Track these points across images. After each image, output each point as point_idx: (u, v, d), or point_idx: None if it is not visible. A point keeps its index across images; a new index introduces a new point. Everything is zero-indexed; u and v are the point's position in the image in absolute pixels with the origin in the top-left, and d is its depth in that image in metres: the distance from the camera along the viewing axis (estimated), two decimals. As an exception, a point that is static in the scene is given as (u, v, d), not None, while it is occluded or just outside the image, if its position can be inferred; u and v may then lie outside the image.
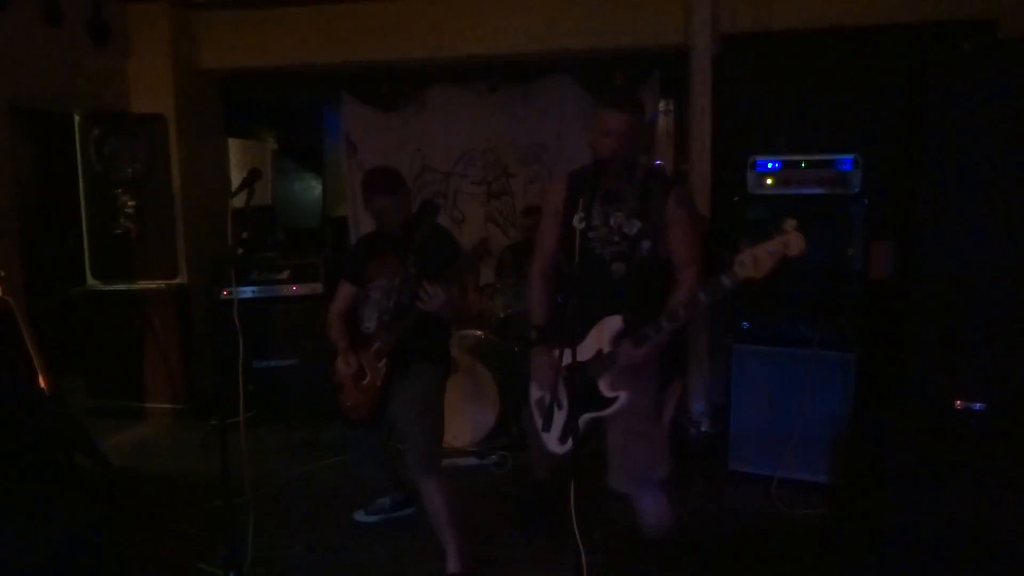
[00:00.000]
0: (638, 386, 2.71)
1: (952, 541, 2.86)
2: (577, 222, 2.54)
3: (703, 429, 4.74)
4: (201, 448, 4.67)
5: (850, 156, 3.76)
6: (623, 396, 2.66)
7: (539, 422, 2.90)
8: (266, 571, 3.22)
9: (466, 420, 4.58)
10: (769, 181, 3.94)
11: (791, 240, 2.32)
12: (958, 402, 3.18)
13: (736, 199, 4.01)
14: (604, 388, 2.69)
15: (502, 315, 4.95)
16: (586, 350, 2.70)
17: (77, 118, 5.36)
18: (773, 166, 3.93)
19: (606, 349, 2.68)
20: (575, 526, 2.43)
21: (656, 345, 2.62)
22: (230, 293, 3.25)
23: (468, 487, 4.07)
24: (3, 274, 3.82)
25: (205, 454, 4.53)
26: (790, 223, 2.33)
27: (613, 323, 2.67)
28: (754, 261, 2.36)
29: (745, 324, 4.02)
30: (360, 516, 3.70)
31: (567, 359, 2.59)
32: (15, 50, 4.43)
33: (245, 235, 3.27)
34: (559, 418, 2.84)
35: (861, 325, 3.77)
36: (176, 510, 3.78)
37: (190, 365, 5.37)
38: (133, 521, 3.62)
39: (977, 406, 3.17)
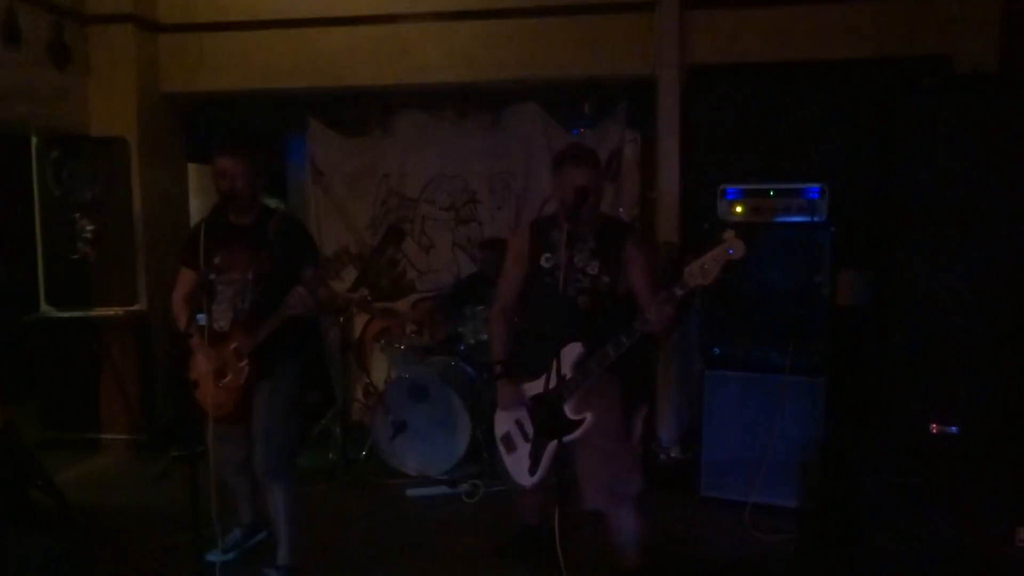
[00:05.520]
0: (603, 406, 2.86)
1: (926, 566, 2.90)
2: (544, 261, 2.96)
3: (673, 455, 4.76)
4: (161, 480, 4.53)
5: (817, 185, 3.86)
6: (589, 417, 2.81)
7: (506, 457, 3.08)
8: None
9: (437, 448, 4.52)
10: (739, 209, 4.01)
11: (733, 245, 2.51)
12: (934, 426, 3.24)
13: (706, 226, 4.07)
14: (570, 412, 2.83)
15: (473, 341, 4.92)
16: (550, 379, 2.76)
17: (34, 140, 5.22)
18: (742, 194, 4.01)
19: (568, 375, 2.80)
20: (559, 550, 2.58)
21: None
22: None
23: (440, 517, 4.03)
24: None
25: (166, 486, 4.39)
26: (729, 232, 2.55)
27: (574, 349, 2.82)
28: (701, 270, 2.54)
29: (716, 350, 4.06)
30: (214, 556, 3.28)
31: (534, 390, 2.86)
32: (-28, 70, 4.31)
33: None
34: (526, 449, 2.97)
35: (830, 350, 3.84)
36: (137, 545, 3.62)
37: (150, 394, 5.21)
38: (92, 558, 3.47)
39: (952, 430, 3.23)
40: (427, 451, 4.53)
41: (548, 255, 2.96)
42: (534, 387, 2.90)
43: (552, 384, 2.68)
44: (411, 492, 4.34)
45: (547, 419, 2.83)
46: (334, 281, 3.36)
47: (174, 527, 3.61)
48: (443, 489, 4.35)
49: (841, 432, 3.72)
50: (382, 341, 5.26)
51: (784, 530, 3.70)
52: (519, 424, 3.01)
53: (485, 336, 4.85)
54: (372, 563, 3.51)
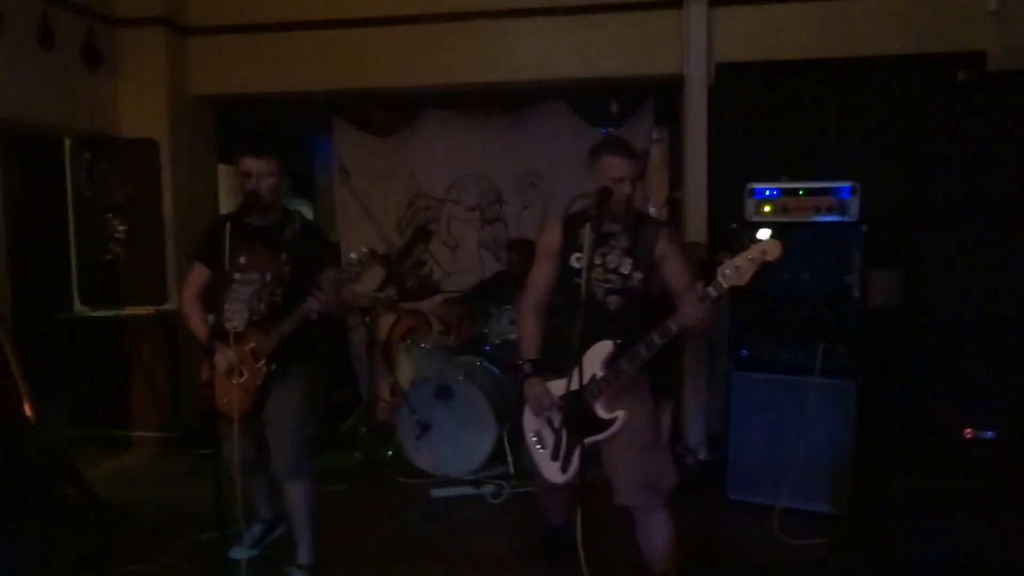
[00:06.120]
0: (635, 403, 2.84)
1: (958, 573, 2.83)
2: (575, 261, 2.88)
3: (700, 458, 4.71)
4: (190, 478, 4.58)
5: (848, 184, 3.79)
6: (622, 415, 2.78)
7: (536, 455, 3.04)
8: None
9: (461, 448, 4.51)
10: (767, 208, 3.94)
11: (768, 247, 2.47)
12: (968, 431, 3.16)
13: (734, 226, 4.01)
14: (601, 411, 2.80)
15: (498, 341, 4.91)
16: (578, 379, 2.71)
17: (68, 142, 5.31)
18: (771, 193, 3.94)
19: (599, 374, 2.78)
20: (581, 551, 2.56)
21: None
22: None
23: (464, 518, 4.02)
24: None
25: (194, 484, 4.43)
26: (764, 232, 2.47)
27: (604, 348, 2.79)
28: (736, 270, 2.50)
29: (744, 352, 4.00)
30: (236, 553, 3.45)
31: (562, 389, 2.78)
32: (5, 73, 4.38)
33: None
34: (556, 447, 2.95)
35: (860, 352, 3.77)
36: (166, 542, 3.66)
37: (179, 393, 5.28)
38: (121, 554, 3.51)
39: (988, 434, 3.15)
40: (452, 451, 4.53)
41: (578, 255, 2.87)
42: (563, 386, 2.87)
43: (580, 383, 2.65)
44: (436, 492, 4.34)
45: (578, 418, 2.80)
46: (354, 284, 3.35)
47: (201, 524, 3.64)
48: (468, 490, 4.35)
49: (872, 436, 3.65)
50: (408, 341, 5.27)
51: (813, 535, 3.64)
52: (549, 422, 2.99)
53: (511, 336, 4.84)
54: (396, 563, 3.51)
